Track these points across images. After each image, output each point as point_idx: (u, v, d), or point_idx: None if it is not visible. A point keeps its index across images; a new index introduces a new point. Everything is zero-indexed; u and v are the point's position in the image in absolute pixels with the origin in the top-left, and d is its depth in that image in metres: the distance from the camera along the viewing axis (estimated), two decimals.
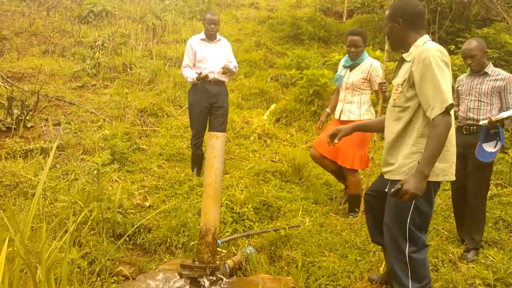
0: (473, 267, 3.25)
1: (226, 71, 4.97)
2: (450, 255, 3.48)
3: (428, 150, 2.23)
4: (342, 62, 4.50)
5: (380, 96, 4.05)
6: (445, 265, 3.31)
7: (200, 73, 4.88)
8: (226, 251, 3.68)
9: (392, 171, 2.50)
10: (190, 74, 4.97)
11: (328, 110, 4.73)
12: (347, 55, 4.39)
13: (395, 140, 2.50)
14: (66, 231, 3.23)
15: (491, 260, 3.39)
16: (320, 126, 4.72)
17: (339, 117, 4.42)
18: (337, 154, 4.33)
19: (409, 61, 2.42)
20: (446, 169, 2.38)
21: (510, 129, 6.28)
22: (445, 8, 9.29)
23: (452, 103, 2.25)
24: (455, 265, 3.36)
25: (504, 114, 3.39)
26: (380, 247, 3.10)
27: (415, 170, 2.27)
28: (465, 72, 3.99)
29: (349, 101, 4.37)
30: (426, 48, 2.34)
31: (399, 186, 2.25)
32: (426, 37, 2.50)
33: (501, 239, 3.90)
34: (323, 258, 3.34)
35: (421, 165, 2.24)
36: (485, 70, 3.69)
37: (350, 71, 4.36)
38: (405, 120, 2.44)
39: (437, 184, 2.44)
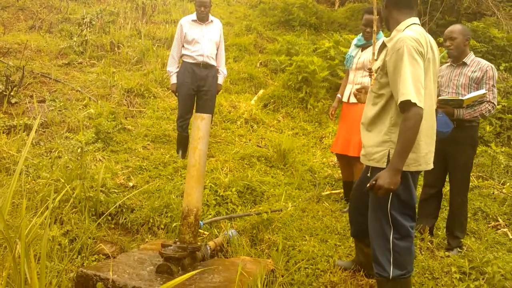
0: (449, 256, 3.32)
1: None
2: (428, 243, 3.54)
3: (399, 145, 2.23)
4: (354, 42, 4.29)
5: (371, 82, 3.92)
6: (423, 252, 3.37)
7: (175, 91, 5.06)
8: (208, 233, 3.70)
9: (365, 156, 2.52)
10: (171, 75, 5.06)
11: (338, 95, 4.44)
12: (360, 34, 4.20)
13: (369, 125, 2.50)
14: (47, 208, 3.22)
15: (467, 249, 3.46)
16: (333, 112, 4.50)
17: (348, 100, 4.21)
18: (348, 146, 4.14)
19: (387, 47, 2.38)
20: (417, 159, 2.36)
21: (494, 123, 6.38)
22: (436, 0, 9.31)
23: (409, 101, 2.18)
24: (432, 253, 3.43)
25: (470, 95, 3.33)
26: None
27: (388, 165, 2.28)
28: (443, 58, 3.90)
29: (359, 82, 4.12)
30: (402, 37, 2.29)
31: (373, 182, 2.27)
32: (411, 20, 2.43)
33: (479, 229, 3.99)
34: (303, 242, 3.38)
35: (393, 160, 2.25)
36: (464, 60, 3.52)
37: (362, 51, 4.19)
38: (379, 106, 2.43)
39: (415, 174, 2.42)
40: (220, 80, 5.22)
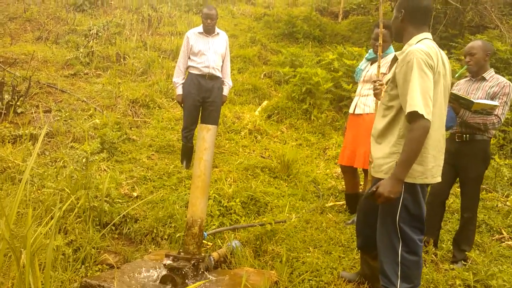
0: (453, 269, 3.30)
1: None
2: (432, 255, 3.53)
3: (403, 155, 2.24)
4: (366, 55, 4.32)
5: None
6: (427, 265, 3.35)
7: (181, 102, 5.10)
8: (211, 244, 3.70)
9: (374, 168, 2.52)
10: (177, 86, 5.09)
11: (350, 112, 4.38)
12: (371, 49, 4.23)
13: (379, 137, 2.51)
14: (52, 218, 3.23)
15: (471, 262, 3.44)
16: (345, 132, 4.43)
17: (354, 111, 4.21)
18: (353, 157, 4.14)
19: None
20: (424, 172, 2.35)
21: (497, 135, 6.37)
22: (439, 13, 9.37)
23: (416, 112, 2.18)
24: (437, 265, 3.42)
25: (482, 101, 3.31)
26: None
27: (391, 173, 2.28)
28: (457, 72, 3.91)
29: (365, 94, 4.14)
30: (412, 50, 2.31)
31: (374, 189, 2.27)
32: (423, 35, 2.45)
33: (483, 242, 3.97)
34: (307, 254, 3.38)
35: (395, 169, 2.26)
36: (483, 75, 3.52)
37: (371, 64, 4.20)
38: (389, 118, 2.44)
39: (424, 186, 2.41)
40: (226, 91, 5.26)
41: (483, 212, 4.60)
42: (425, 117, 2.20)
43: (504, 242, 4.08)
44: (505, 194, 5.22)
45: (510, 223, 4.43)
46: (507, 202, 4.79)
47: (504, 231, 4.27)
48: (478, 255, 3.58)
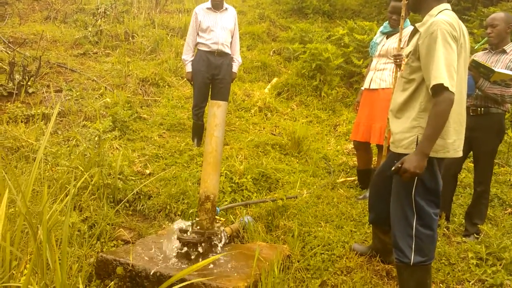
0: (465, 242, 3.31)
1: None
2: (445, 229, 3.54)
3: (428, 129, 2.20)
4: (380, 29, 4.24)
5: (395, 69, 3.76)
6: (439, 238, 3.36)
7: (190, 79, 5.08)
8: (224, 219, 3.74)
9: (394, 143, 2.49)
10: (186, 63, 5.07)
11: (362, 88, 4.35)
12: (387, 21, 4.15)
13: (399, 111, 2.47)
14: (66, 195, 3.28)
15: (483, 235, 3.44)
16: (357, 108, 4.41)
17: (369, 86, 4.15)
18: (369, 133, 4.11)
19: (420, 32, 2.35)
20: (446, 145, 2.33)
21: (511, 110, 6.28)
22: None
23: (441, 84, 2.16)
24: (449, 239, 3.43)
25: (502, 70, 3.24)
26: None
27: (416, 148, 2.25)
28: (475, 45, 3.80)
29: (381, 68, 4.09)
30: (436, 21, 2.26)
31: (399, 165, 2.25)
32: (443, 5, 2.40)
33: (495, 216, 3.96)
34: (319, 229, 3.41)
35: (421, 144, 2.22)
36: (504, 47, 3.43)
37: (387, 38, 4.13)
38: (409, 92, 2.40)
39: (441, 160, 2.39)
40: (235, 68, 5.23)
41: (496, 186, 4.57)
42: (450, 89, 2.17)
43: None
44: None
45: None
46: None
47: None
48: (490, 229, 3.57)
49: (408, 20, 4.06)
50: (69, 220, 3.02)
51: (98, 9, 8.76)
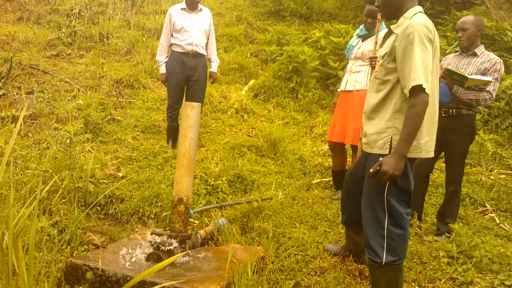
0: (437, 241, 3.35)
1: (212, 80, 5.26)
2: (417, 228, 3.57)
3: (405, 130, 2.22)
4: (357, 32, 4.30)
5: (370, 71, 3.89)
6: (411, 238, 3.39)
7: (164, 81, 5.04)
8: (198, 222, 3.71)
9: (368, 144, 2.50)
10: (160, 64, 5.03)
11: (339, 90, 4.38)
12: (363, 25, 4.19)
13: (372, 112, 2.48)
14: (35, 199, 3.20)
15: (455, 234, 3.49)
16: (333, 109, 4.42)
17: (345, 88, 4.20)
18: (344, 134, 4.15)
19: (396, 34, 2.37)
20: (418, 146, 2.35)
21: (482, 111, 6.42)
22: None
23: (420, 85, 2.18)
24: (421, 238, 3.46)
25: (475, 76, 3.30)
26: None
27: (393, 150, 2.26)
28: (448, 48, 3.87)
29: (356, 70, 4.15)
30: (412, 23, 2.28)
31: (378, 168, 2.26)
32: (417, 8, 2.43)
33: (467, 215, 4.03)
34: (293, 230, 3.40)
35: (398, 145, 2.24)
36: (474, 50, 3.50)
37: (362, 41, 4.19)
38: (384, 93, 2.41)
39: (413, 160, 2.40)
40: (214, 68, 5.19)
41: (467, 186, 4.65)
42: (426, 91, 2.20)
43: (487, 214, 4.14)
44: (489, 168, 5.29)
45: (493, 196, 4.49)
46: (491, 176, 4.86)
47: (488, 203, 4.34)
48: (461, 228, 3.62)
49: (383, 23, 4.10)
50: (36, 224, 2.95)
51: (72, 10, 8.61)
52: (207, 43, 5.08)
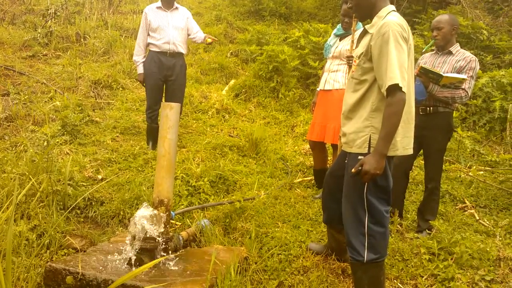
0: (418, 238, 3.39)
1: (211, 40, 4.99)
2: (398, 226, 3.61)
3: (384, 129, 2.23)
4: (334, 31, 4.31)
5: (347, 70, 3.90)
6: (393, 235, 3.43)
7: (142, 81, 4.96)
8: (180, 224, 3.67)
9: (347, 143, 2.51)
10: (138, 64, 4.97)
11: (318, 89, 4.38)
12: (340, 24, 4.20)
13: (350, 111, 2.49)
14: (12, 203, 3.12)
15: (436, 231, 3.54)
16: (313, 108, 4.43)
17: (324, 87, 4.21)
18: (323, 133, 4.16)
19: (371, 33, 2.38)
20: (394, 143, 2.36)
21: (460, 108, 6.53)
22: None
23: (397, 84, 2.19)
24: (402, 235, 3.50)
25: (450, 74, 3.35)
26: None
27: (373, 150, 2.27)
28: (424, 47, 3.92)
29: (334, 69, 4.16)
30: (386, 22, 2.29)
31: (359, 167, 2.27)
32: (390, 7, 2.44)
33: (447, 212, 4.08)
34: (276, 229, 3.40)
35: (377, 145, 2.25)
36: (449, 49, 3.55)
37: (340, 40, 4.20)
38: (361, 92, 2.42)
39: (390, 158, 2.42)
40: (202, 35, 5.07)
41: (447, 182, 4.73)
42: (403, 89, 2.21)
43: (466, 210, 4.21)
44: (468, 165, 5.38)
45: (472, 193, 4.57)
46: (470, 173, 4.94)
47: (467, 200, 4.41)
48: (442, 224, 3.68)
49: (360, 23, 4.11)
50: (13, 229, 2.88)
51: (48, 10, 8.43)
52: (189, 33, 5.04)
